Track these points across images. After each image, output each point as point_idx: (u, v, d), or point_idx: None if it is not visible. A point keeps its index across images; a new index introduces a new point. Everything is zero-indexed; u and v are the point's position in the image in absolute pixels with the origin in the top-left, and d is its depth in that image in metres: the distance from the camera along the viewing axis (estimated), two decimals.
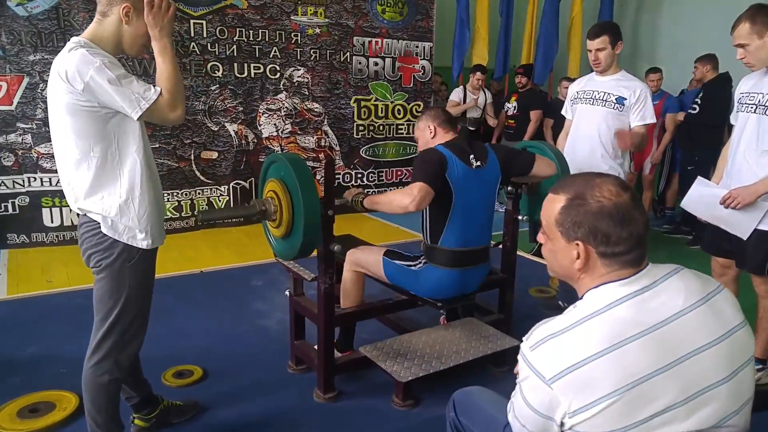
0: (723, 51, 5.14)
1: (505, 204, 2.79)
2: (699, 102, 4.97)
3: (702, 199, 2.42)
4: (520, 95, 6.16)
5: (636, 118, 2.95)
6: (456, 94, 6.26)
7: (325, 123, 5.78)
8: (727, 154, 2.47)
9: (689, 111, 5.08)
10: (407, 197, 2.13)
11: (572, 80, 6.37)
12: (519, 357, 1.07)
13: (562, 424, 1.00)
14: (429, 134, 2.44)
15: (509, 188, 2.75)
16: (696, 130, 5.03)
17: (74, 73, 1.59)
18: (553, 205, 1.12)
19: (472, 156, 2.30)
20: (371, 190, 5.87)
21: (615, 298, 1.03)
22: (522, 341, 1.41)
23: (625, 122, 2.97)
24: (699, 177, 2.55)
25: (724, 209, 2.31)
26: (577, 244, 1.07)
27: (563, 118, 5.91)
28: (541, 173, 2.49)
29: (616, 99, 2.95)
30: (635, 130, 2.96)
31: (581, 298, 1.08)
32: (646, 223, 1.06)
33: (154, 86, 1.67)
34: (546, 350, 1.01)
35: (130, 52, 1.79)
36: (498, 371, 2.59)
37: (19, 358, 2.73)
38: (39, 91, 4.37)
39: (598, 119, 3.00)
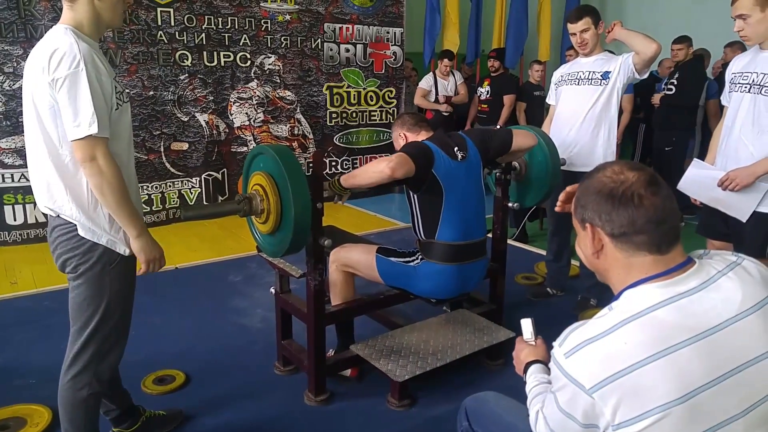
0: (689, 32, 5.20)
1: (493, 191, 2.74)
2: (675, 83, 4.99)
3: (698, 180, 2.39)
4: (493, 80, 6.12)
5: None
6: (426, 82, 6.18)
7: (298, 111, 5.65)
8: (719, 135, 2.44)
9: (665, 92, 5.10)
10: (383, 162, 2.04)
11: (543, 63, 6.47)
12: (551, 365, 0.99)
13: None
14: (402, 142, 2.37)
15: (497, 174, 2.69)
16: (673, 110, 5.04)
17: (59, 58, 1.47)
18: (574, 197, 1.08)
19: (456, 148, 2.22)
20: None
21: (655, 301, 0.95)
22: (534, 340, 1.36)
23: (612, 97, 2.91)
24: (695, 159, 2.52)
25: (721, 191, 2.27)
26: (586, 227, 1.04)
27: (536, 102, 6.02)
28: (522, 145, 2.39)
29: (601, 75, 2.90)
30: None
31: (617, 298, 1.01)
32: (660, 202, 0.96)
33: (100, 124, 1.50)
34: (583, 357, 0.93)
35: (115, 24, 1.68)
36: (493, 364, 2.53)
37: None
38: None
39: (585, 98, 2.95)
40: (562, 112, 3.09)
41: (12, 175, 4.27)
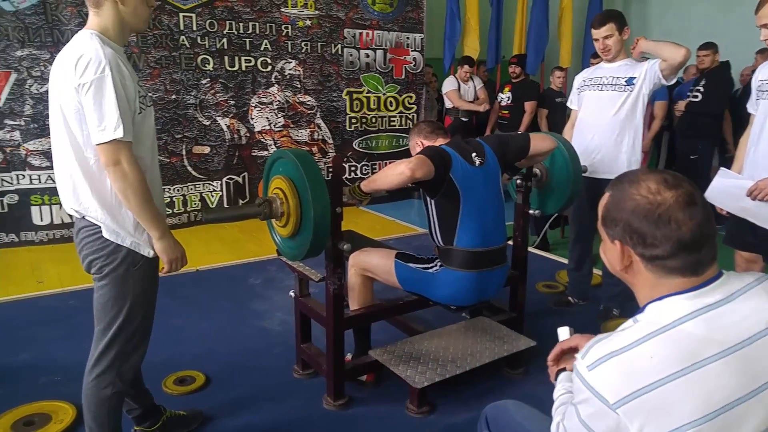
0: (714, 39, 5.12)
1: (514, 198, 2.72)
2: (702, 90, 4.91)
3: (726, 190, 2.35)
4: (514, 86, 6.10)
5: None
6: (451, 83, 6.17)
7: (318, 116, 5.68)
8: (746, 144, 2.40)
9: (691, 99, 5.01)
10: (403, 164, 2.03)
11: (564, 70, 6.42)
12: (574, 376, 0.97)
13: None
14: (419, 150, 2.35)
15: (518, 180, 2.67)
16: (699, 118, 4.96)
17: (85, 64, 1.50)
18: (601, 202, 1.05)
19: (473, 154, 2.22)
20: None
21: (682, 314, 0.92)
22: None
23: (637, 104, 2.87)
24: (722, 168, 2.48)
25: (750, 201, 2.23)
26: (614, 243, 1.00)
27: (557, 109, 5.97)
28: (541, 149, 2.34)
29: (625, 81, 2.85)
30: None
31: (642, 311, 0.99)
32: (698, 227, 0.93)
33: (124, 129, 1.53)
34: (607, 370, 0.91)
35: (140, 28, 1.71)
36: (513, 373, 2.50)
37: (11, 365, 2.61)
38: (27, 87, 4.26)
39: (608, 104, 2.91)
40: (584, 118, 3.06)
41: (39, 176, 4.37)
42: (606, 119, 2.92)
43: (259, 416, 2.24)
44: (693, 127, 5.03)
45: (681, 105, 5.11)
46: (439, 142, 2.33)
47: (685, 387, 0.86)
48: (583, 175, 2.77)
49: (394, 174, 2.06)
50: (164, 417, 2.04)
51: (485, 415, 1.40)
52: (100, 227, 1.62)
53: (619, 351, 0.91)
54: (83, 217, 1.65)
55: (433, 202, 2.20)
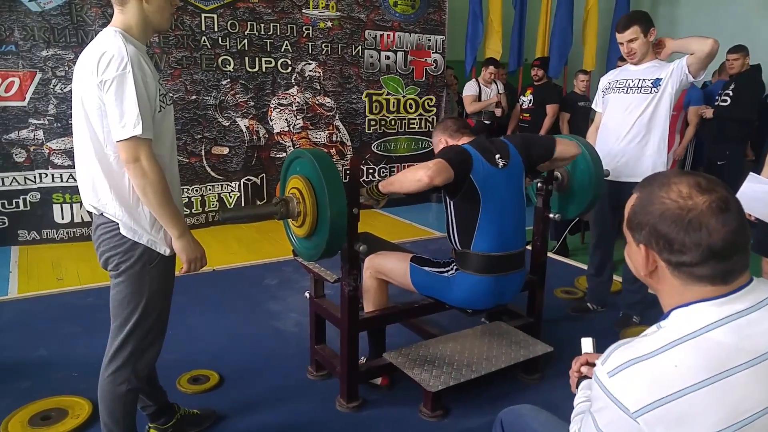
0: (745, 41, 5.00)
1: (534, 202, 2.68)
2: (731, 94, 4.80)
3: (755, 195, 2.29)
4: (536, 89, 6.04)
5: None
6: (471, 88, 6.13)
7: (337, 118, 5.69)
8: None
9: (719, 104, 4.90)
10: (422, 169, 1.99)
11: (588, 73, 6.34)
12: (594, 383, 0.93)
13: None
14: (442, 147, 2.31)
15: (539, 184, 2.63)
16: (727, 123, 4.85)
17: (108, 60, 1.51)
18: (628, 203, 1.01)
19: (497, 155, 2.17)
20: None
21: (709, 321, 0.88)
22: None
23: (663, 105, 2.81)
24: (751, 173, 2.41)
25: None
26: (640, 247, 0.96)
27: (580, 113, 5.90)
28: (565, 154, 2.31)
29: (652, 83, 2.78)
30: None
31: (666, 317, 0.95)
32: (730, 235, 0.88)
33: (144, 126, 1.52)
34: (629, 377, 0.87)
35: (163, 27, 1.72)
36: (529, 378, 2.47)
37: (29, 360, 2.64)
38: (51, 86, 4.33)
39: (633, 107, 2.84)
40: (608, 122, 2.99)
41: (61, 175, 4.44)
42: (630, 122, 2.86)
43: (272, 417, 2.23)
44: (721, 133, 4.92)
45: (708, 112, 5.00)
46: (463, 141, 2.28)
47: (711, 396, 0.83)
48: (606, 179, 2.71)
49: (412, 180, 2.02)
50: (178, 415, 2.04)
51: (500, 420, 1.37)
52: (117, 224, 1.63)
53: (642, 357, 0.87)
54: (101, 214, 1.66)
55: (452, 203, 2.17)
